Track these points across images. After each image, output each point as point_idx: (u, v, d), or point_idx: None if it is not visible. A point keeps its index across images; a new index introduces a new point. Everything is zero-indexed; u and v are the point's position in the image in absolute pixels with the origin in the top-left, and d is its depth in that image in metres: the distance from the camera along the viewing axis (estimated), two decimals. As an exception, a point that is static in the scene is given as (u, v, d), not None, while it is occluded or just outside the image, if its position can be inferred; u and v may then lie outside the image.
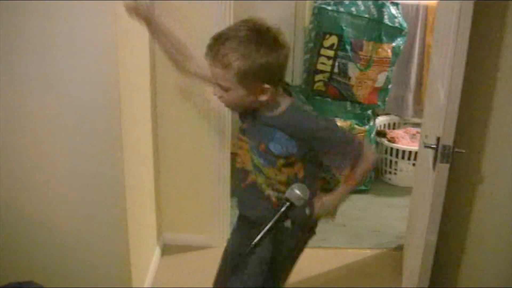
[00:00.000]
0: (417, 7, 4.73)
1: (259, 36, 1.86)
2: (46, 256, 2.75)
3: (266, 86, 1.91)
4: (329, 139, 2.06)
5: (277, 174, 2.11)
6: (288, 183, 2.05)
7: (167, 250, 3.66)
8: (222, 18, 3.20)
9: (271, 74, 1.89)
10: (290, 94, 2.07)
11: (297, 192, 1.74)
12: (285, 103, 2.03)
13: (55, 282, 2.71)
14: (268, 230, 1.73)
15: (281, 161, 2.07)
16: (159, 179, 3.51)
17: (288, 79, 4.88)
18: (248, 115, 2.10)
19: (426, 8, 4.72)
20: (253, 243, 1.71)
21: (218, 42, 1.87)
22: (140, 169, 3.04)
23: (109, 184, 2.61)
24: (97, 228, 2.70)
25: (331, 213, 2.22)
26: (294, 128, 2.01)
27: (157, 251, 3.53)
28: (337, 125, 2.19)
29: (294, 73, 4.92)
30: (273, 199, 2.13)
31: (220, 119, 3.42)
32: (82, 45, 2.38)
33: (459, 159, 2.13)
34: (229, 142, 3.53)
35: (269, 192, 2.15)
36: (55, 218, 2.67)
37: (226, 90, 1.92)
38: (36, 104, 2.47)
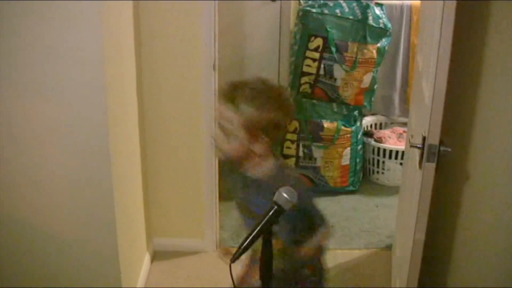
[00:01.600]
0: (402, 7, 4.76)
1: (274, 93, 2.00)
2: (35, 259, 2.74)
3: (265, 138, 1.97)
4: (303, 210, 2.01)
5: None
6: None
7: (157, 255, 3.65)
8: (208, 19, 3.24)
9: (271, 133, 1.98)
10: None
11: (284, 195, 1.73)
12: (270, 164, 2.06)
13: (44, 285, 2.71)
14: (256, 235, 1.73)
15: None
16: (147, 185, 3.50)
17: (274, 81, 4.91)
18: (239, 175, 2.14)
19: (411, 8, 4.75)
20: (241, 248, 1.71)
21: (237, 87, 1.98)
22: (128, 175, 3.03)
23: (97, 190, 2.61)
24: (85, 234, 2.69)
25: None
26: (272, 190, 1.95)
27: (147, 256, 3.53)
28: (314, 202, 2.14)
29: (280, 76, 4.92)
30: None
31: (208, 124, 3.42)
32: (68, 47, 2.38)
33: (445, 157, 2.14)
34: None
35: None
36: (45, 222, 2.66)
37: (228, 133, 1.98)
38: (22, 108, 2.46)
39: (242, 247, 1.71)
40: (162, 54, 3.29)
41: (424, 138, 2.16)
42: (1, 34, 2.33)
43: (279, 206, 1.74)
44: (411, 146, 2.34)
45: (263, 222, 1.73)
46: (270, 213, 1.74)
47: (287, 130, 2.06)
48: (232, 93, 1.97)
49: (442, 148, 2.11)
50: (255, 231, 1.73)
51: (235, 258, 1.73)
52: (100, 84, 2.43)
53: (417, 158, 2.28)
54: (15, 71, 2.39)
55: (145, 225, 3.48)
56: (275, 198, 1.75)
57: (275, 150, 2.13)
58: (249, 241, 1.72)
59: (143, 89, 3.30)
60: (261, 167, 2.07)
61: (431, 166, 2.14)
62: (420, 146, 2.20)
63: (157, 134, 3.43)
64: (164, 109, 3.39)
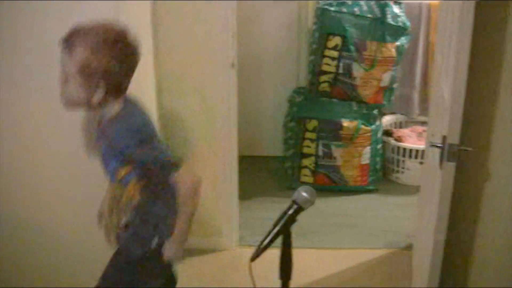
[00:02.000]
0: (420, 5, 4.73)
1: (115, 39, 1.91)
2: (37, 259, 2.76)
3: (101, 86, 1.91)
4: (139, 158, 1.98)
5: (117, 192, 2.12)
6: (126, 208, 2.11)
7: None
8: (225, 19, 3.22)
9: (110, 78, 1.92)
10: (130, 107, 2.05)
11: (304, 194, 1.73)
12: (114, 112, 2.00)
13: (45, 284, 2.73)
14: (276, 234, 1.73)
15: (119, 174, 2.05)
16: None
17: (293, 80, 4.92)
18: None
19: (429, 6, 4.72)
20: (261, 247, 1.71)
21: (75, 31, 1.90)
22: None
23: (101, 189, 2.61)
24: (90, 233, 2.67)
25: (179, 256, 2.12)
26: (109, 140, 1.98)
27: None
28: (156, 147, 2.02)
29: (300, 75, 4.93)
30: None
31: (226, 119, 3.43)
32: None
33: (465, 157, 2.13)
34: (236, 144, 3.54)
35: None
36: (46, 222, 2.67)
37: (66, 79, 1.92)
38: (22, 107, 2.48)
39: (262, 246, 1.72)
40: (180, 52, 3.30)
41: (444, 138, 2.15)
42: (1, 34, 2.35)
43: (298, 205, 1.74)
44: (431, 145, 2.33)
45: (282, 222, 1.73)
46: (290, 212, 1.74)
47: (129, 76, 1.99)
48: (73, 35, 1.89)
49: (462, 147, 2.10)
50: (274, 231, 1.73)
51: (254, 257, 1.73)
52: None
53: (437, 157, 2.27)
54: (15, 71, 2.41)
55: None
56: (294, 197, 1.75)
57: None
58: (268, 241, 1.72)
59: (161, 87, 3.31)
60: (107, 113, 2.00)
61: (451, 166, 2.13)
62: (440, 145, 2.18)
63: (175, 130, 3.43)
64: (182, 106, 3.39)
